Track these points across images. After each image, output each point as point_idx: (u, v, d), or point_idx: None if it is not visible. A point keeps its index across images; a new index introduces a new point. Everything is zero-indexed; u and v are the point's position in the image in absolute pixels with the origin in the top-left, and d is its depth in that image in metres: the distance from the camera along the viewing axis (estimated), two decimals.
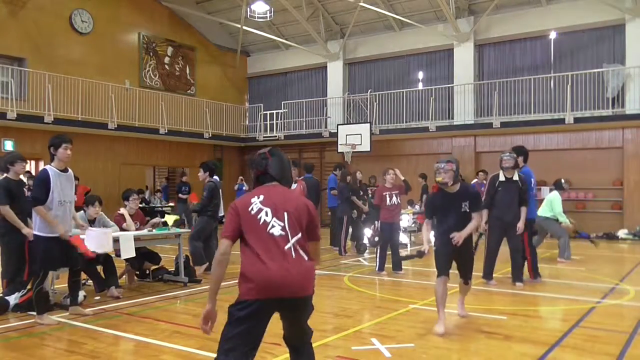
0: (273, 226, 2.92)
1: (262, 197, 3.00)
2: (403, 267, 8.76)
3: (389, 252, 8.72)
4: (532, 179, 7.99)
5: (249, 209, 2.97)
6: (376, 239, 9.16)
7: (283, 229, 2.91)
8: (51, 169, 5.49)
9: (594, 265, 9.50)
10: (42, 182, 5.42)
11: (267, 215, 2.94)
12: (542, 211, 9.89)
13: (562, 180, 10.50)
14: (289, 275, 2.82)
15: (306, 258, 2.92)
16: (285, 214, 2.95)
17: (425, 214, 5.53)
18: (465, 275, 5.44)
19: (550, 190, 10.51)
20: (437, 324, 5.05)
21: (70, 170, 5.70)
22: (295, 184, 8.52)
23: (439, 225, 5.28)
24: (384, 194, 8.58)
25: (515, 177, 7.52)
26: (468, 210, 5.11)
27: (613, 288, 7.52)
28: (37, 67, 15.69)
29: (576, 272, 8.79)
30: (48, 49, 16.37)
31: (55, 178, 5.45)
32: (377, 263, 8.61)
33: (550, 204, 9.98)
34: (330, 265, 9.52)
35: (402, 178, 8.81)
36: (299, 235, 2.93)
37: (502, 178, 7.58)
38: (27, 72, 15.42)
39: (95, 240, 5.96)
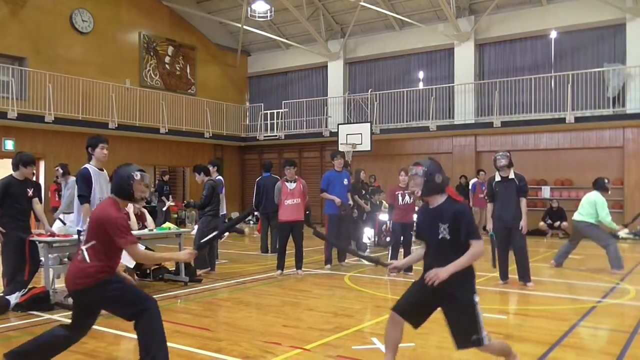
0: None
1: None
2: (414, 267, 8.66)
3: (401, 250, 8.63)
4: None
5: None
6: (387, 239, 9.11)
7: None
8: (91, 167, 5.79)
9: (594, 264, 9.49)
10: (85, 179, 5.71)
11: None
12: (583, 215, 8.90)
13: (606, 180, 9.07)
14: (70, 273, 3.70)
15: (88, 261, 3.60)
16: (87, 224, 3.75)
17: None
18: (460, 340, 3.54)
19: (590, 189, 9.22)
20: None
21: (105, 171, 5.96)
22: (295, 183, 8.52)
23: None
24: (396, 193, 8.53)
25: (512, 176, 7.52)
26: (448, 238, 3.49)
27: (613, 287, 7.52)
28: (38, 66, 15.69)
29: (576, 272, 8.78)
30: (48, 49, 16.37)
31: (95, 176, 5.73)
32: None
33: (594, 207, 8.76)
34: (330, 267, 9.52)
35: None
36: (92, 242, 3.65)
37: (498, 178, 7.60)
38: (28, 72, 15.42)
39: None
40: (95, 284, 3.61)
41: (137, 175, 3.82)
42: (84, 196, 5.66)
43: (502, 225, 7.52)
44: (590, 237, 8.95)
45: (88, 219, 5.50)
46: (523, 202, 7.48)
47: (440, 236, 3.52)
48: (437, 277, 3.38)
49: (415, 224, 4.18)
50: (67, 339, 3.77)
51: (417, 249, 3.98)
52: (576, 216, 9.07)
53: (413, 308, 3.66)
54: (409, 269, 8.43)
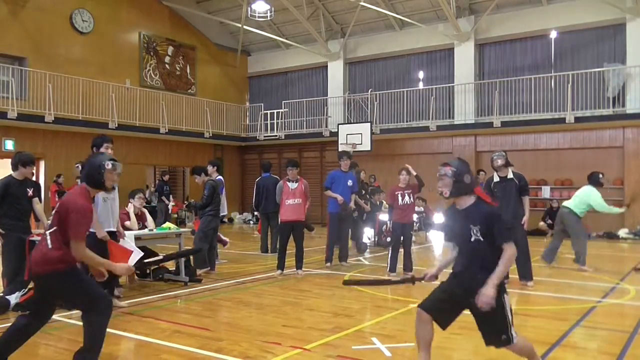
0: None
1: None
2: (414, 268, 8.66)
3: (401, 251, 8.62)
4: None
5: None
6: (388, 239, 9.09)
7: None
8: None
9: (594, 264, 9.49)
10: None
11: None
12: (571, 205, 8.97)
13: (600, 175, 9.04)
14: (32, 257, 3.72)
15: (50, 246, 3.62)
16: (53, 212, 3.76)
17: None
18: (488, 339, 3.54)
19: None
20: None
21: None
22: (297, 183, 8.52)
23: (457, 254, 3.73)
24: (396, 193, 8.51)
25: (510, 175, 7.51)
26: (482, 239, 3.42)
27: (614, 287, 7.52)
28: (38, 66, 15.69)
29: (576, 272, 8.78)
30: (48, 49, 16.37)
31: None
32: (389, 264, 8.46)
33: (586, 200, 8.85)
34: (330, 266, 9.52)
35: (414, 173, 8.72)
36: (54, 227, 3.67)
37: (496, 179, 7.59)
38: (28, 72, 15.42)
39: (135, 255, 5.96)
40: (56, 272, 3.62)
41: (109, 165, 3.82)
42: None
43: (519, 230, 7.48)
44: (568, 226, 9.02)
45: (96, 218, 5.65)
46: (526, 200, 7.47)
47: (473, 238, 3.45)
48: (488, 299, 3.31)
49: (443, 226, 3.99)
50: (27, 327, 3.79)
51: (451, 253, 3.84)
52: (565, 203, 9.16)
53: (443, 305, 3.58)
54: (408, 268, 8.46)
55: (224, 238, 9.95)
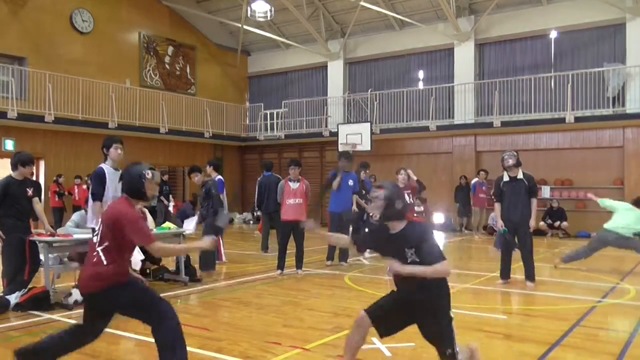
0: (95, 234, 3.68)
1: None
2: None
3: None
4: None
5: None
6: None
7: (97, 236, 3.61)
8: (106, 167, 5.89)
9: (594, 264, 9.49)
10: (99, 178, 5.83)
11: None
12: (624, 228, 8.45)
13: None
14: (82, 275, 3.68)
15: (105, 263, 3.49)
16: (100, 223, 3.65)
17: None
18: (439, 353, 3.53)
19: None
20: None
21: (120, 170, 5.96)
22: (298, 183, 8.53)
23: None
24: None
25: (520, 176, 7.49)
26: (418, 260, 3.43)
27: (613, 287, 7.52)
28: (38, 66, 15.69)
29: (576, 272, 8.78)
30: (48, 49, 16.37)
31: (109, 175, 5.83)
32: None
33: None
34: (331, 265, 9.52)
35: (415, 178, 8.73)
36: (106, 243, 3.53)
37: (506, 178, 7.57)
38: (28, 72, 15.41)
39: (136, 257, 5.99)
40: (110, 287, 3.53)
41: (149, 174, 3.73)
42: (97, 194, 5.79)
43: (510, 226, 7.49)
44: (624, 247, 8.63)
45: (100, 217, 5.66)
46: (534, 202, 7.46)
47: (409, 260, 3.46)
48: (392, 270, 3.44)
49: (374, 245, 3.88)
50: (78, 340, 3.70)
51: (343, 238, 4.13)
52: (614, 226, 8.55)
53: (388, 315, 3.58)
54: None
55: (222, 252, 9.68)
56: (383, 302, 3.64)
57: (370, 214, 3.58)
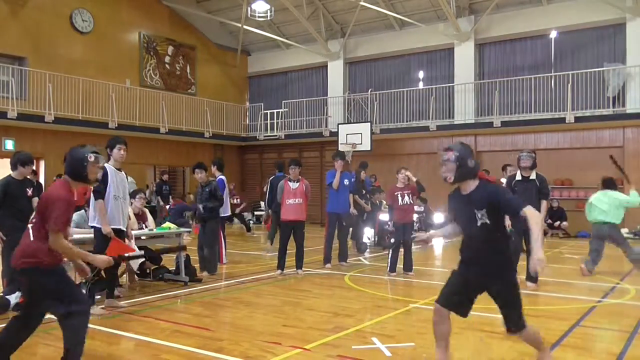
0: None
1: None
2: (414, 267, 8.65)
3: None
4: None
5: None
6: (392, 240, 9.06)
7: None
8: (109, 166, 5.96)
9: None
10: (103, 177, 5.79)
11: None
12: (610, 216, 8.42)
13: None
14: (15, 251, 3.70)
15: (32, 239, 3.59)
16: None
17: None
18: (511, 322, 3.71)
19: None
20: None
21: (123, 171, 6.16)
22: (298, 183, 8.53)
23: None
24: (396, 193, 8.48)
25: (533, 176, 7.49)
26: (488, 222, 3.45)
27: (614, 287, 7.52)
28: (38, 66, 15.69)
29: (576, 271, 8.77)
30: (48, 48, 16.37)
31: (112, 175, 5.91)
32: (389, 264, 8.46)
33: (618, 203, 8.39)
34: (330, 266, 9.52)
35: (415, 179, 8.72)
36: (35, 219, 3.63)
37: (519, 177, 7.57)
38: (28, 72, 15.42)
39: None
40: (36, 267, 3.54)
41: (91, 157, 3.75)
42: (99, 192, 5.83)
43: (518, 226, 7.46)
44: (615, 240, 8.56)
45: (102, 215, 5.73)
46: (544, 204, 7.43)
47: (479, 223, 3.47)
48: (541, 263, 3.31)
49: (448, 210, 3.94)
50: (19, 329, 3.78)
51: (448, 227, 4.01)
52: (602, 217, 8.50)
53: (459, 298, 3.64)
54: (408, 268, 8.45)
55: (224, 254, 9.69)
56: (453, 288, 3.67)
57: (444, 178, 3.56)
